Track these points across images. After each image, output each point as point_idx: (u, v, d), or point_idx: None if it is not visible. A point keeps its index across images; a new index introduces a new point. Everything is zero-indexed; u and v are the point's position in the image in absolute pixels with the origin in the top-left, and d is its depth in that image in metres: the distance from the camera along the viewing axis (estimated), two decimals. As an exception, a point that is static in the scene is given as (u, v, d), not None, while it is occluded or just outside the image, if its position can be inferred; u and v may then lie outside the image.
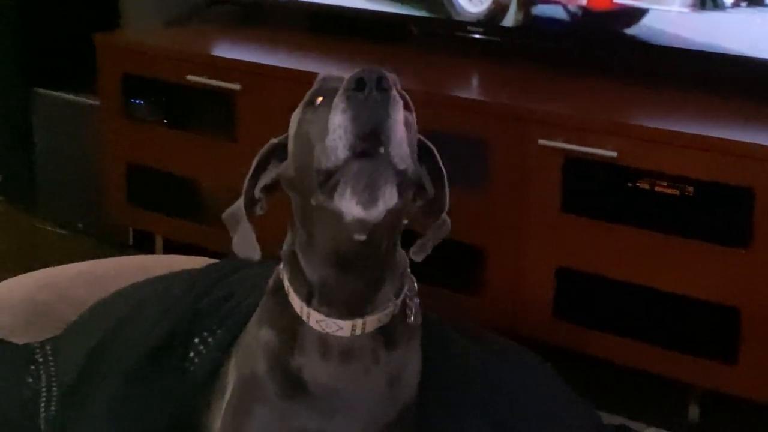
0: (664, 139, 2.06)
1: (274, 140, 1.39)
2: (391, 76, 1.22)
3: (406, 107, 1.30)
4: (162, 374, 1.58)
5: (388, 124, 1.19)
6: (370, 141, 1.19)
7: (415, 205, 1.35)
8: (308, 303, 1.34)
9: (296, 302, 1.35)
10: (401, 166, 1.22)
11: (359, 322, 1.32)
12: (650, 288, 2.05)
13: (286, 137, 1.37)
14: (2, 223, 3.34)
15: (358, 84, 1.17)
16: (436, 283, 2.18)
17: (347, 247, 1.29)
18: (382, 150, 1.19)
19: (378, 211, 1.21)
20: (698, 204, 2.02)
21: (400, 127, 1.23)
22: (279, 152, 1.39)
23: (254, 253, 1.38)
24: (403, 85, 1.25)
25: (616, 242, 2.12)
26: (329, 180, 1.21)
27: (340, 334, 1.32)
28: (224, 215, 1.39)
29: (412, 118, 1.32)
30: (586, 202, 2.14)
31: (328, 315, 1.32)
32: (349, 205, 1.20)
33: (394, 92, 1.20)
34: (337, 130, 1.20)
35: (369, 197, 1.20)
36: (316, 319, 1.32)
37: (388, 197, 1.20)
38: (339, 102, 1.19)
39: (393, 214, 1.26)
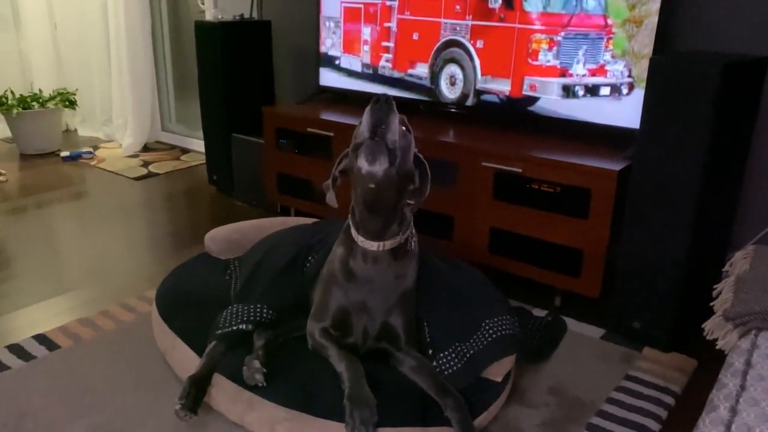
0: (545, 163, 2.39)
1: (345, 151, 1.67)
2: (392, 102, 1.41)
3: (407, 129, 1.51)
4: (293, 274, 1.90)
5: (387, 121, 1.45)
6: (377, 130, 1.44)
7: (410, 188, 1.59)
8: (357, 232, 1.64)
9: (353, 232, 1.65)
10: (391, 146, 1.45)
11: (380, 243, 1.62)
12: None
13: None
14: (216, 201, 3.80)
15: (377, 101, 1.45)
16: (428, 234, 2.62)
17: (367, 192, 1.52)
18: (382, 135, 1.44)
19: (377, 168, 1.45)
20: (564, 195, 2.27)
21: (395, 124, 1.46)
22: (346, 155, 1.68)
23: (335, 204, 1.67)
24: (414, 135, 1.54)
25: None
26: (357, 149, 1.51)
27: (372, 249, 1.62)
28: (323, 184, 1.71)
29: (411, 135, 1.54)
30: (508, 195, 2.47)
31: (366, 239, 1.63)
32: (363, 163, 1.49)
33: (393, 107, 1.45)
34: (364, 122, 1.47)
35: (372, 159, 1.47)
36: (360, 240, 1.63)
37: (382, 161, 1.45)
38: (366, 110, 1.47)
39: (388, 173, 1.47)
